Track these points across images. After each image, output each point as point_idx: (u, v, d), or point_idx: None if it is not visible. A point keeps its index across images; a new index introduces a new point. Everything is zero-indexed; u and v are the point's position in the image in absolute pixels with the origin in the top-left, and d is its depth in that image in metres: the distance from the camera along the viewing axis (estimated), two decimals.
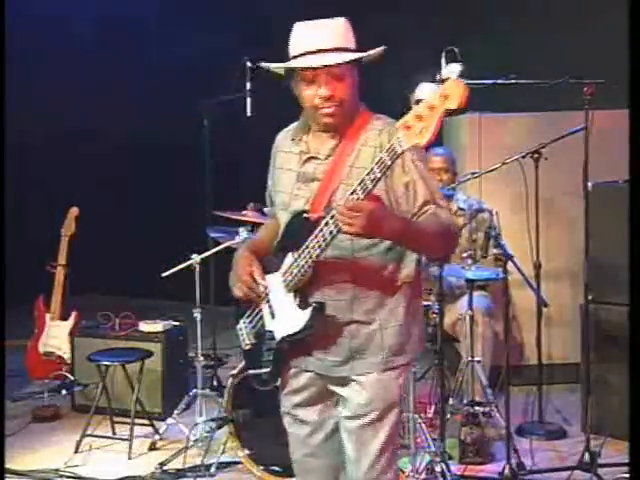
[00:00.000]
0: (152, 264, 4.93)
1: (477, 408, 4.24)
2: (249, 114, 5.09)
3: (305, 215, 2.33)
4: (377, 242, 2.32)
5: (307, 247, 2.27)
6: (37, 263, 5.53)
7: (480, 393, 4.39)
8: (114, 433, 4.57)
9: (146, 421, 4.59)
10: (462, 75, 1.96)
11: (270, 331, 2.45)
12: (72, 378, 5.04)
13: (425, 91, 1.99)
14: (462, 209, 4.69)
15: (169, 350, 4.88)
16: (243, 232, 4.37)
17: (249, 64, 5.03)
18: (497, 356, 4.55)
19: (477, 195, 4.94)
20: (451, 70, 1.97)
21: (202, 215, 5.17)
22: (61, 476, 4.10)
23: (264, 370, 2.46)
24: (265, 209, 2.77)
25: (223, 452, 4.05)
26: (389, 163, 2.09)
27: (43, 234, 5.76)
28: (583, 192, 4.04)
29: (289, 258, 2.36)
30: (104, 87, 7.65)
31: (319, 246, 2.24)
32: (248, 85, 5.05)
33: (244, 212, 4.46)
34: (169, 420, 4.56)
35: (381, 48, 2.31)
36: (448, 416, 4.20)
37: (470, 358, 4.35)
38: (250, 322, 2.54)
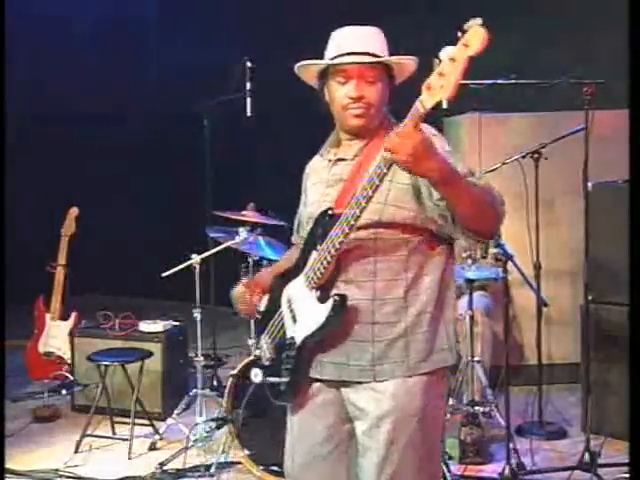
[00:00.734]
0: (152, 264, 4.93)
1: (477, 408, 4.24)
2: (249, 114, 5.10)
3: (330, 212, 2.30)
4: (400, 243, 2.27)
5: (330, 237, 2.23)
6: (37, 263, 5.53)
7: (480, 393, 4.40)
8: (114, 433, 4.57)
9: (146, 421, 4.58)
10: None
11: (291, 337, 2.38)
12: (72, 378, 5.04)
13: (447, 51, 1.95)
14: None
15: (169, 350, 4.87)
16: (243, 232, 4.38)
17: (249, 64, 5.04)
18: (497, 356, 4.55)
19: None
20: (473, 21, 1.93)
21: (202, 215, 5.17)
22: (61, 476, 4.09)
23: (283, 379, 2.38)
24: (292, 238, 2.69)
25: (223, 452, 4.05)
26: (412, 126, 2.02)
27: (43, 234, 5.77)
28: (583, 192, 4.04)
29: (313, 254, 2.33)
30: (104, 87, 7.66)
31: (342, 231, 2.19)
32: (248, 85, 5.06)
33: (244, 212, 4.46)
34: (169, 420, 4.56)
35: (412, 57, 2.31)
36: (448, 416, 4.20)
37: (470, 358, 4.35)
38: (270, 336, 2.49)
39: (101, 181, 7.85)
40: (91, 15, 7.73)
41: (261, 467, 3.83)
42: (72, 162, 7.70)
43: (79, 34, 7.83)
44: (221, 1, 7.36)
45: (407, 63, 2.33)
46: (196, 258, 4.45)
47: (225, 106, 5.17)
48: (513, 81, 3.92)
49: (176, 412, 4.59)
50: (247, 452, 3.90)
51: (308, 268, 2.34)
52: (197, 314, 4.56)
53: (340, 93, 2.32)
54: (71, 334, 5.17)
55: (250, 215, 4.44)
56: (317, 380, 2.39)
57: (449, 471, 3.80)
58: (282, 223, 4.15)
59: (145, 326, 4.93)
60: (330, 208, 2.32)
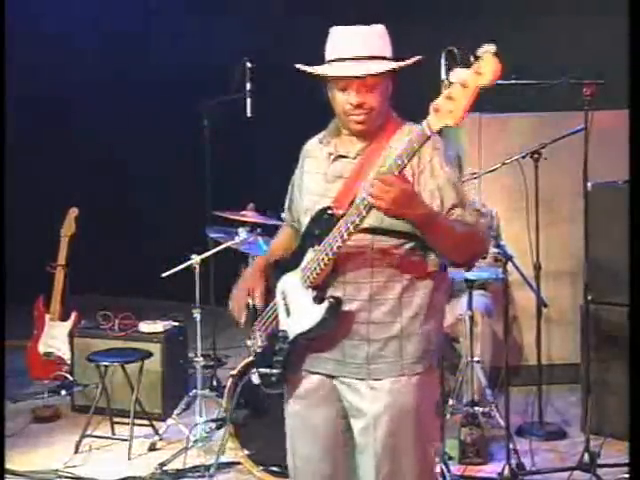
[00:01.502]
0: (152, 264, 4.92)
1: (477, 408, 4.24)
2: (249, 114, 5.10)
3: (330, 211, 2.30)
4: (397, 244, 2.29)
5: (328, 240, 2.24)
6: (37, 263, 5.53)
7: (480, 393, 4.40)
8: (114, 433, 4.57)
9: (146, 421, 4.58)
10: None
11: (283, 330, 2.41)
12: (72, 378, 5.03)
13: (459, 75, 1.95)
14: None
15: (169, 350, 4.87)
16: (243, 232, 4.38)
17: (249, 64, 5.04)
18: (497, 356, 4.55)
19: (477, 195, 4.94)
20: (487, 47, 1.93)
21: (202, 215, 5.17)
22: (60, 476, 4.09)
23: (274, 371, 2.41)
24: (282, 215, 2.72)
25: (223, 452, 4.05)
26: (416, 146, 2.05)
27: (43, 234, 5.76)
28: (583, 192, 4.04)
29: (310, 253, 2.33)
30: (104, 87, 7.65)
31: (341, 237, 2.19)
32: (248, 85, 5.06)
33: (244, 212, 4.46)
34: (169, 420, 4.55)
35: (416, 58, 2.28)
36: (448, 416, 4.20)
37: (470, 358, 4.35)
38: (263, 324, 2.51)
39: (101, 181, 7.84)
40: (91, 14, 7.72)
41: (261, 467, 3.83)
42: (72, 162, 7.69)
43: (79, 32, 7.81)
44: (221, 1, 7.35)
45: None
46: (196, 258, 4.45)
47: (225, 106, 5.16)
48: (513, 81, 3.92)
49: (176, 412, 4.59)
50: (247, 452, 3.90)
51: (304, 266, 2.35)
52: (197, 314, 4.56)
53: (341, 99, 2.31)
54: (71, 334, 5.17)
55: (250, 215, 4.44)
56: (313, 373, 2.42)
57: (449, 471, 3.80)
58: (282, 223, 4.14)
59: (145, 326, 4.93)
60: (329, 207, 2.32)
